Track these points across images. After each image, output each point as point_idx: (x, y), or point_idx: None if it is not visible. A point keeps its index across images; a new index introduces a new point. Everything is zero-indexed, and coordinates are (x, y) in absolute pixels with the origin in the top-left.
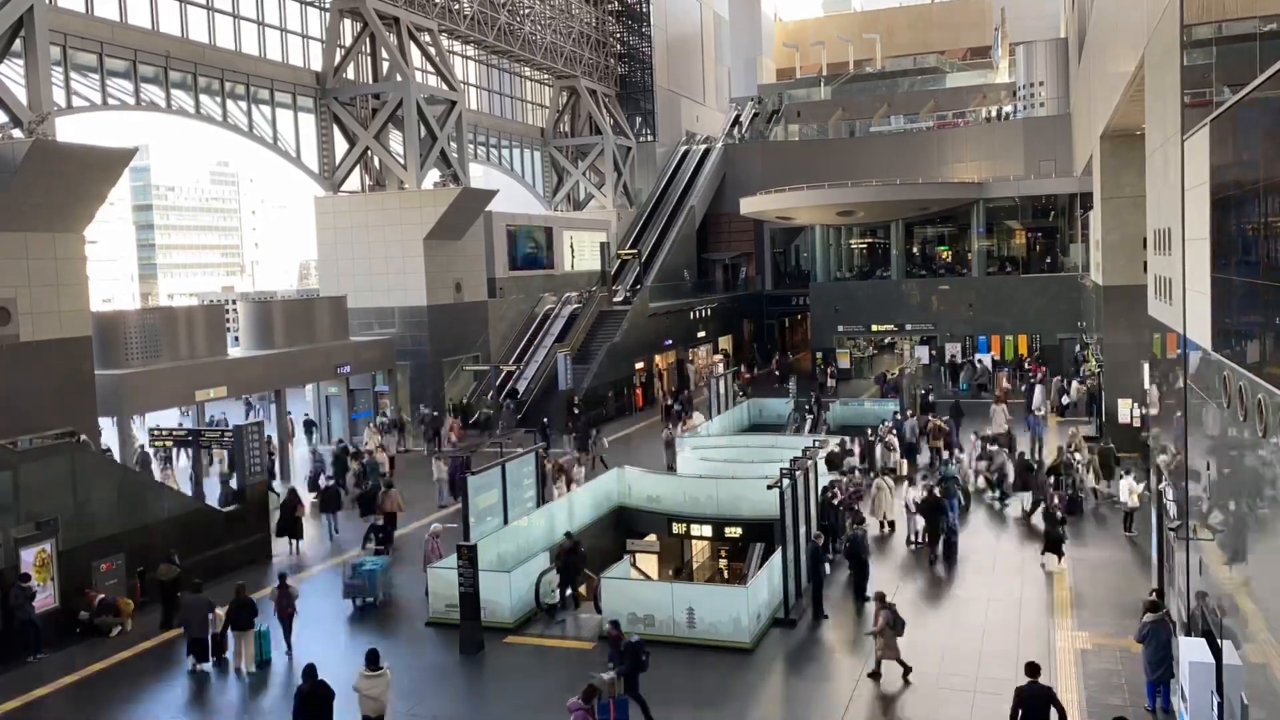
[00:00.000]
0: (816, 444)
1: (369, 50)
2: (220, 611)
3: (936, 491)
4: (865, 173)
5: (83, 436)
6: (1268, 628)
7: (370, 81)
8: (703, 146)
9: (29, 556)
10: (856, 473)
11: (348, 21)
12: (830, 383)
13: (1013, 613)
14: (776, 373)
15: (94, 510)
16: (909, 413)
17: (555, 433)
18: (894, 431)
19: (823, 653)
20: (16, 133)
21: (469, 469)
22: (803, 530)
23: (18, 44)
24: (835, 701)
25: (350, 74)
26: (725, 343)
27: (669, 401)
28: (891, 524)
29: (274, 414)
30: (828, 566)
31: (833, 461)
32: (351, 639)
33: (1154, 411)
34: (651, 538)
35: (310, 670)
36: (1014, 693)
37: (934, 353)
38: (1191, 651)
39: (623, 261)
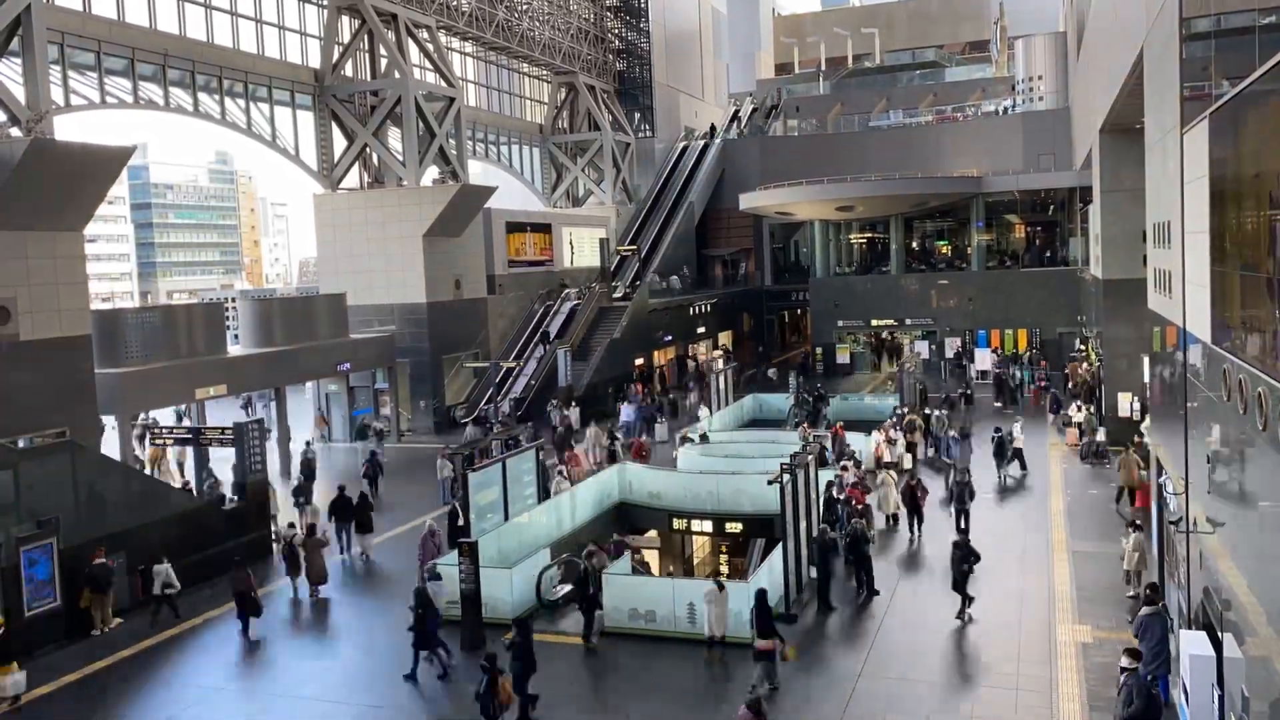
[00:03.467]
0: (815, 439)
1: (367, 47)
2: None
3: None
4: (864, 167)
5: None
6: (1269, 621)
7: (369, 78)
8: (701, 142)
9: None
10: (861, 465)
11: (346, 18)
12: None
13: (1014, 606)
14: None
15: (95, 508)
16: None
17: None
18: (895, 427)
19: (824, 647)
20: (15, 131)
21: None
22: (803, 525)
23: (15, 42)
24: (838, 695)
25: (348, 71)
26: (725, 338)
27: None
28: (895, 518)
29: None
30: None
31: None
32: (349, 635)
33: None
34: (652, 534)
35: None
36: None
37: (934, 347)
38: (1192, 645)
39: (622, 258)
